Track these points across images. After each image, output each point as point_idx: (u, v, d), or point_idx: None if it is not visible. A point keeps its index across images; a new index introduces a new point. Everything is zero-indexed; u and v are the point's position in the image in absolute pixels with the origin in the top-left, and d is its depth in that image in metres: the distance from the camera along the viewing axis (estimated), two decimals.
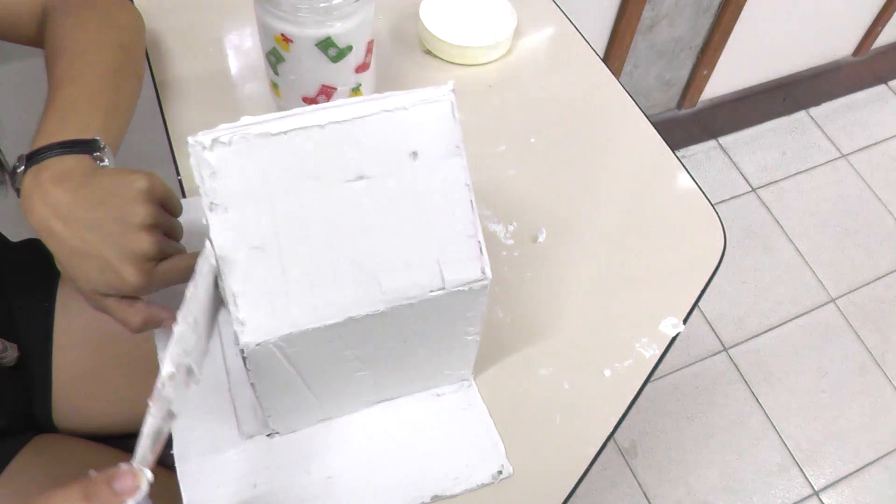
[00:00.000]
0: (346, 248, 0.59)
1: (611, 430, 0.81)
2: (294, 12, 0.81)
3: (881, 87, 2.56)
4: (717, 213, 0.98)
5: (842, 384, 1.95)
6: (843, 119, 2.46)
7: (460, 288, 0.62)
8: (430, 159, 0.62)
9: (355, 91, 0.92)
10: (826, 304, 2.07)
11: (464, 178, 0.62)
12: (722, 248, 0.95)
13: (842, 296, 2.09)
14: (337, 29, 0.83)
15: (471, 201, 0.62)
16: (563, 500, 0.76)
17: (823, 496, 1.80)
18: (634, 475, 1.78)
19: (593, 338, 0.87)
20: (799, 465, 1.84)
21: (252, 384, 0.63)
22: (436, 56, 1.07)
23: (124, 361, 0.96)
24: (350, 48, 0.86)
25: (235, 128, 0.58)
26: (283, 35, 0.83)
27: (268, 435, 0.74)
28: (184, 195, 0.90)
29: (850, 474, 1.83)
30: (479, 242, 0.62)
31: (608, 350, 0.86)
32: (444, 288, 0.61)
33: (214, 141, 0.57)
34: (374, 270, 0.60)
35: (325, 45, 0.84)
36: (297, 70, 0.87)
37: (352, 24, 0.84)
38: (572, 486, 0.77)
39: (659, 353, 0.87)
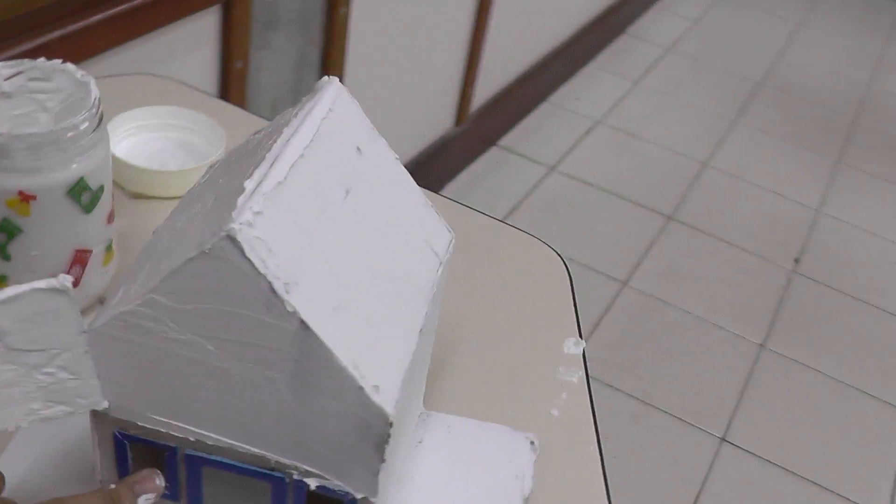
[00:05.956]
0: (377, 266, 0.54)
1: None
2: (34, 154, 0.64)
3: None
4: (546, 244, 0.93)
5: None
6: None
7: (447, 256, 0.62)
8: (366, 147, 0.58)
9: (109, 251, 0.74)
10: None
11: (391, 154, 0.60)
12: (565, 269, 0.90)
13: None
14: (87, 165, 0.67)
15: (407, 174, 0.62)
16: None
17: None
18: None
19: (520, 393, 0.76)
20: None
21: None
22: (150, 196, 0.89)
23: None
24: (102, 189, 0.70)
25: (249, 198, 0.47)
26: (20, 194, 0.65)
27: None
28: None
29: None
30: (431, 206, 0.62)
31: (541, 395, 0.76)
32: (441, 263, 0.60)
33: (255, 215, 0.46)
34: (403, 274, 0.57)
35: (78, 190, 0.67)
36: (43, 239, 0.68)
37: (99, 156, 0.68)
38: None
39: (582, 371, 0.78)
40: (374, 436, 0.50)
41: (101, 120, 0.68)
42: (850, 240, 2.57)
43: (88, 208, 0.69)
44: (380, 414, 0.49)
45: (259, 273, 0.45)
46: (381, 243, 0.55)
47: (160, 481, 0.54)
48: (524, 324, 0.83)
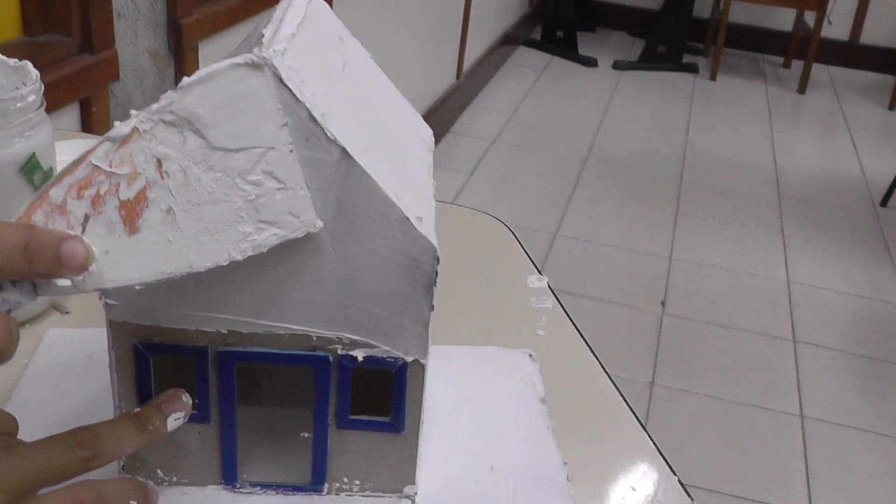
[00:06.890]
0: (383, 132, 0.55)
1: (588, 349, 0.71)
2: None
3: None
4: (488, 214, 0.95)
5: None
6: None
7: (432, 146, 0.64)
8: (345, 38, 0.58)
9: None
10: None
11: (365, 51, 0.62)
12: (509, 231, 0.92)
13: None
14: (36, 141, 0.65)
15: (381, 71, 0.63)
16: None
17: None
18: None
19: (503, 322, 0.77)
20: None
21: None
22: None
23: None
24: (52, 170, 0.67)
25: (272, 38, 0.47)
26: None
27: None
28: None
29: None
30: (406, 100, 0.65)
31: (523, 321, 0.76)
32: (430, 150, 0.63)
33: (284, 49, 0.45)
34: (406, 145, 0.58)
35: (30, 167, 0.64)
36: None
37: (46, 134, 0.66)
38: None
39: (552, 297, 0.79)
40: (422, 275, 0.49)
41: (43, 101, 0.66)
42: (704, 276, 2.71)
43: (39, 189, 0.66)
44: (427, 247, 0.48)
45: (298, 101, 0.44)
46: (381, 116, 0.55)
47: (187, 398, 0.51)
48: (487, 271, 0.84)
